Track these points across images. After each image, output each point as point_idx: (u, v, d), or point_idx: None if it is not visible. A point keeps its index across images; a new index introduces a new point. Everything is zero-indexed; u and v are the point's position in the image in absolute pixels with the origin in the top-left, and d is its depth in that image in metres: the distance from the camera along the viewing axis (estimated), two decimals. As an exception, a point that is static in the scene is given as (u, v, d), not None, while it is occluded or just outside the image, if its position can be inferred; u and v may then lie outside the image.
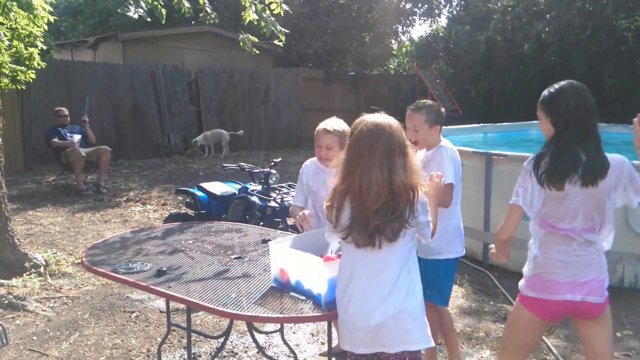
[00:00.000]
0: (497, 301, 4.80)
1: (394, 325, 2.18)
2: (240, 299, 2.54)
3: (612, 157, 2.38)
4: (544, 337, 3.92)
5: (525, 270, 2.56)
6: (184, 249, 3.38)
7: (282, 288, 2.64)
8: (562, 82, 2.45)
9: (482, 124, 10.43)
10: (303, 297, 2.52)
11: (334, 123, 3.28)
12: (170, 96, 13.92)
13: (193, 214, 6.06)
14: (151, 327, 4.21)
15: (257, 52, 6.13)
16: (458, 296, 4.85)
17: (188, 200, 6.20)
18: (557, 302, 2.42)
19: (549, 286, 2.43)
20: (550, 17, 15.29)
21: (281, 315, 2.41)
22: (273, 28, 5.84)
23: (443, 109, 3.40)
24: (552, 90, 2.44)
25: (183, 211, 7.26)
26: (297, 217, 3.16)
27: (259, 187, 5.61)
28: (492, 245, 2.71)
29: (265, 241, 3.47)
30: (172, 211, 7.74)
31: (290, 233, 4.34)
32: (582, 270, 2.41)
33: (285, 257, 2.64)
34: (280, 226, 5.34)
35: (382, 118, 2.25)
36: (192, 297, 2.58)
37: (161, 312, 4.45)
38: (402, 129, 2.27)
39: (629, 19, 15.71)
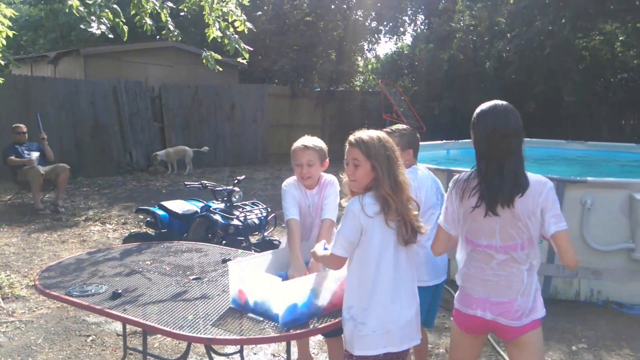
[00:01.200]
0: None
1: (415, 319, 2.42)
2: (197, 320, 2.48)
3: (533, 178, 2.29)
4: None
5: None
6: (142, 270, 3.29)
7: (241, 309, 2.58)
8: (486, 104, 2.41)
9: (444, 141, 10.54)
10: (261, 318, 2.46)
11: (311, 139, 3.14)
12: (132, 112, 13.70)
13: (154, 233, 5.93)
14: (107, 352, 4.07)
15: (220, 69, 6.09)
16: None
17: (149, 219, 6.06)
18: (470, 317, 2.43)
19: (466, 299, 2.45)
20: (511, 37, 15.69)
21: (239, 337, 2.36)
22: (237, 45, 5.82)
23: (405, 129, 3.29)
24: (476, 111, 2.42)
25: (143, 230, 7.09)
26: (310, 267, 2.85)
27: (222, 206, 5.53)
28: None
29: (225, 261, 3.41)
30: (132, 230, 7.56)
31: (253, 252, 4.28)
32: (498, 290, 2.35)
33: (244, 277, 2.58)
34: (243, 245, 5.27)
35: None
36: (148, 319, 2.50)
37: (118, 335, 4.31)
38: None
39: (586, 39, 16.25)
